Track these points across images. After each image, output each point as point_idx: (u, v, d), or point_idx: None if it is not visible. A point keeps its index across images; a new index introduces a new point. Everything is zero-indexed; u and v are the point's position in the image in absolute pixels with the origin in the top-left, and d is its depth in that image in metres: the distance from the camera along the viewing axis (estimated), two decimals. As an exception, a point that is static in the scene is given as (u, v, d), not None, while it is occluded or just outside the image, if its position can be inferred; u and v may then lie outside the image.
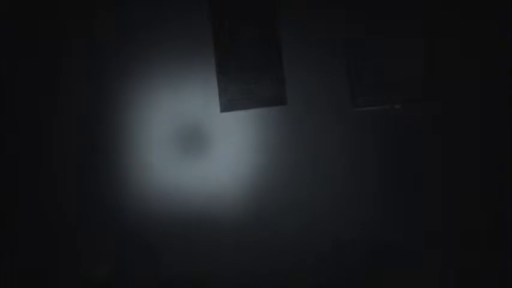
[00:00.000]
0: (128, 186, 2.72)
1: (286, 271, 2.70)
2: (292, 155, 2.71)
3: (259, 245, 2.72)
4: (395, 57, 2.66)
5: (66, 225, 2.72)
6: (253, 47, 2.63)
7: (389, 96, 2.64)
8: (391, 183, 2.71)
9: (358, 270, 2.65)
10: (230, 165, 2.72)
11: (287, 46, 2.71)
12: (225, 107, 2.62)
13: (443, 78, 2.69)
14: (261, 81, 2.63)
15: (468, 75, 2.70)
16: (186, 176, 2.72)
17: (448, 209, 2.68)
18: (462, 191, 2.68)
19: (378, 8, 2.70)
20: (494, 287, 2.59)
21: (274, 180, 2.72)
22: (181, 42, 2.73)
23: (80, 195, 2.71)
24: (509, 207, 2.64)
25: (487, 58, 2.69)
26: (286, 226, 2.72)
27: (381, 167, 2.71)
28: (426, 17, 2.70)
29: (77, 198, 2.71)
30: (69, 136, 2.73)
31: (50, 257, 2.70)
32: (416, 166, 2.70)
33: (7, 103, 2.73)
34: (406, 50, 2.67)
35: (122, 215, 2.71)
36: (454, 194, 2.68)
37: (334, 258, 2.68)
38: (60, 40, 2.75)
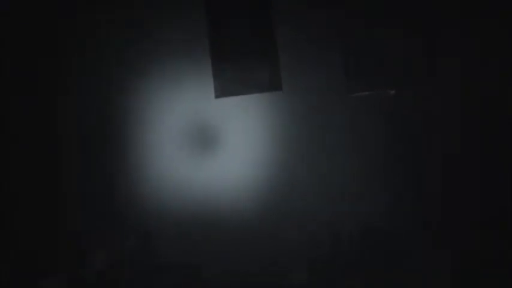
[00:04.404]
0: (126, 175, 2.75)
1: (283, 260, 2.70)
2: (289, 141, 2.73)
3: (255, 233, 2.74)
4: (389, 46, 2.70)
5: (71, 218, 2.72)
6: (247, 34, 2.67)
7: (383, 82, 2.68)
8: (389, 167, 2.72)
9: (357, 268, 2.65)
10: (228, 152, 2.75)
11: (282, 33, 2.73)
12: (220, 93, 2.64)
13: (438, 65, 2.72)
14: (256, 67, 2.65)
15: (464, 72, 2.73)
16: (181, 164, 2.75)
17: (448, 198, 2.69)
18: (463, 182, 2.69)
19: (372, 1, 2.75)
20: (494, 285, 2.58)
21: (272, 165, 2.74)
22: (177, 32, 2.76)
23: (80, 191, 2.73)
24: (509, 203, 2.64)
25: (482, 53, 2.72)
26: (284, 215, 2.73)
27: (376, 151, 2.73)
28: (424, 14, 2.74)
29: (78, 196, 2.73)
30: (68, 132, 2.76)
31: (51, 252, 2.71)
32: (416, 152, 2.71)
33: (9, 103, 2.74)
34: (399, 39, 2.71)
35: (121, 207, 2.73)
36: (455, 184, 2.69)
37: (332, 252, 2.69)
38: (58, 39, 2.77)
